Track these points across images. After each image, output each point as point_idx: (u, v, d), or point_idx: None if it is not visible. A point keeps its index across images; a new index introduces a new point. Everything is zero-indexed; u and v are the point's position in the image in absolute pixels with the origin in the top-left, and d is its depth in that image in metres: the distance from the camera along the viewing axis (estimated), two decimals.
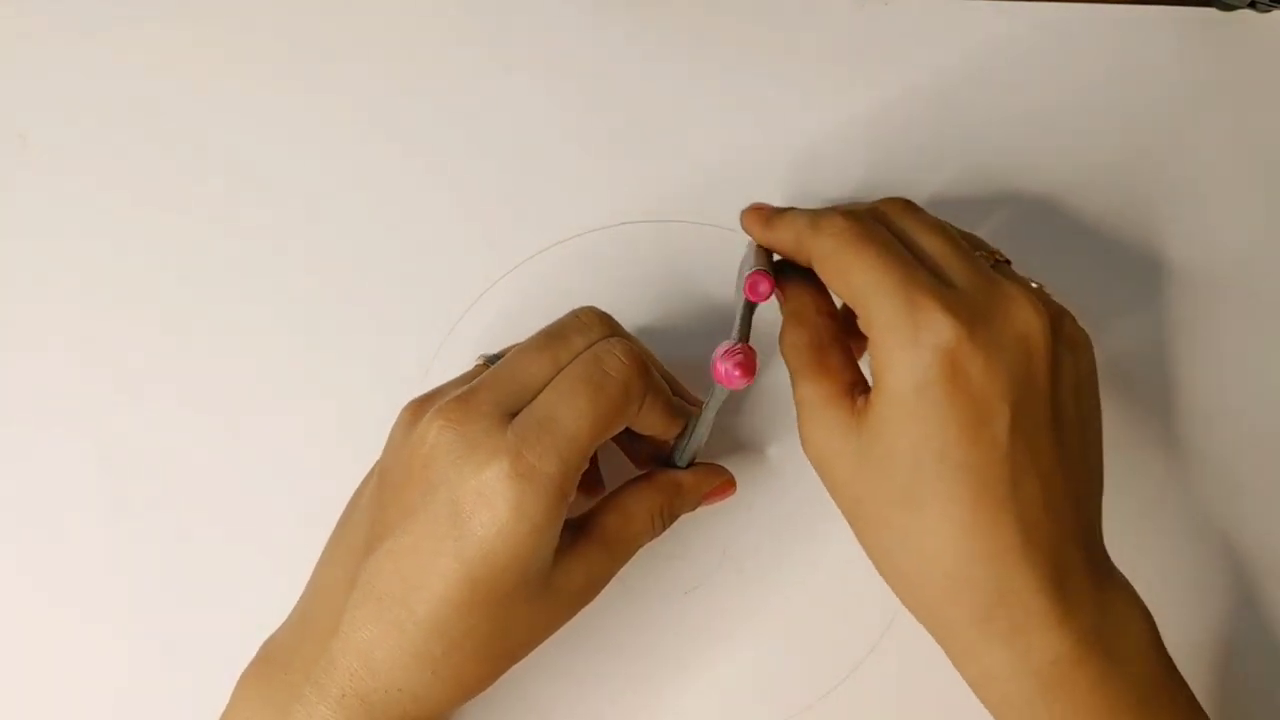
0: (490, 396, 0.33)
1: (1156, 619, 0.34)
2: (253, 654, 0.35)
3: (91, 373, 0.42)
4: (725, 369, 0.34)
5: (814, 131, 0.44)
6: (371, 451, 0.38)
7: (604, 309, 0.36)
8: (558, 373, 0.33)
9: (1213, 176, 0.44)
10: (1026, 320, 0.32)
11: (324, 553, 0.36)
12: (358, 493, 0.36)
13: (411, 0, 0.44)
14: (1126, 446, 0.42)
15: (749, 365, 0.34)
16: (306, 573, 0.35)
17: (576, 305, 0.36)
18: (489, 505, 0.31)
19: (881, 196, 0.36)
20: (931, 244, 0.34)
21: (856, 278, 0.33)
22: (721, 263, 0.42)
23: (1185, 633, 0.41)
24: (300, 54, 0.44)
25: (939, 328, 0.31)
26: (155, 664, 0.40)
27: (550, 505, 0.31)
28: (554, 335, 0.35)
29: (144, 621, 0.41)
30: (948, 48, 0.44)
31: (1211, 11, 0.45)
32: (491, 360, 0.36)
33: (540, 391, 0.33)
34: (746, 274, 0.35)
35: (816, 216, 0.35)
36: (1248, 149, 0.44)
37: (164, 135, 0.43)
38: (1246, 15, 0.45)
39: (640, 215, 0.43)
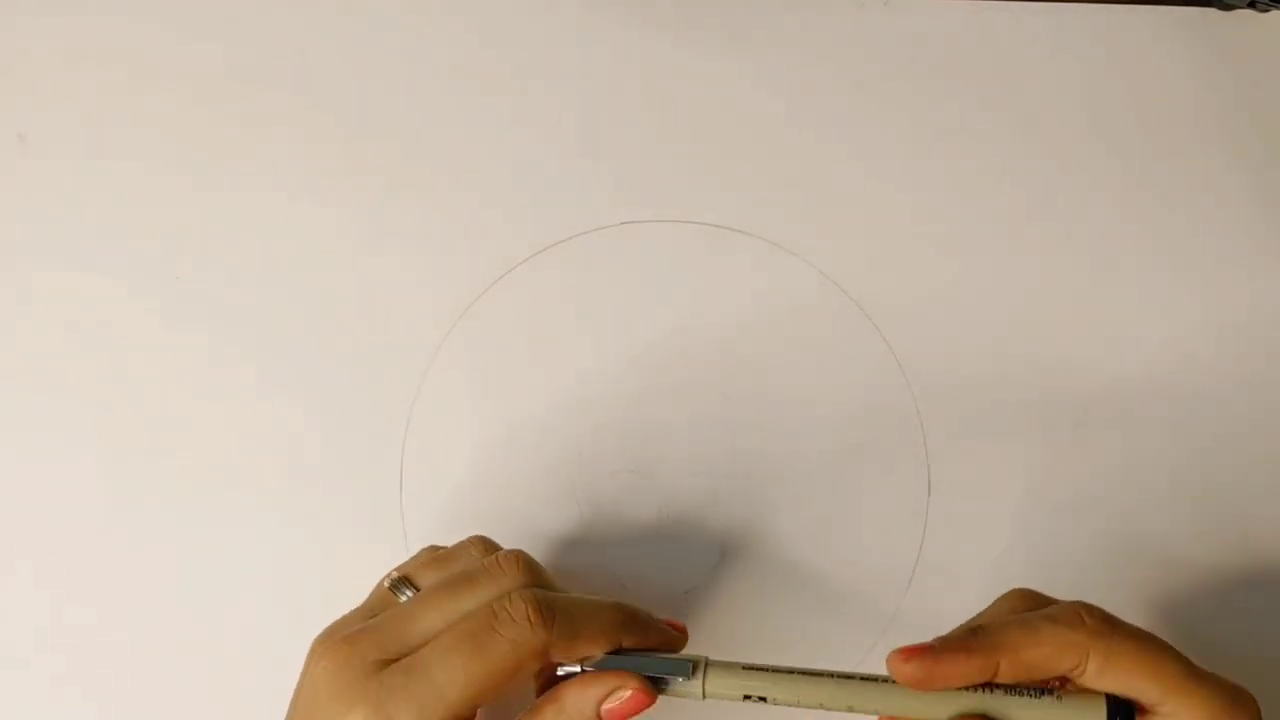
0: (372, 641, 0.33)
1: None
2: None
3: (91, 371, 0.42)
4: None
5: (814, 131, 0.44)
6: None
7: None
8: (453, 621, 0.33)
9: (1212, 176, 0.44)
10: None
11: None
12: None
13: (411, 3, 0.44)
14: None
15: None
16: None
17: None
18: None
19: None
20: None
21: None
22: (721, 263, 0.42)
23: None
24: (297, 56, 0.44)
25: None
26: (160, 664, 0.41)
27: None
28: (460, 581, 0.34)
29: (152, 621, 0.41)
30: (947, 47, 0.44)
31: (1211, 11, 0.45)
32: (396, 585, 0.35)
33: (429, 639, 0.33)
34: None
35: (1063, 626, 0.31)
36: (1247, 149, 0.44)
37: (163, 135, 0.43)
38: (1246, 15, 0.45)
39: (640, 215, 0.43)
